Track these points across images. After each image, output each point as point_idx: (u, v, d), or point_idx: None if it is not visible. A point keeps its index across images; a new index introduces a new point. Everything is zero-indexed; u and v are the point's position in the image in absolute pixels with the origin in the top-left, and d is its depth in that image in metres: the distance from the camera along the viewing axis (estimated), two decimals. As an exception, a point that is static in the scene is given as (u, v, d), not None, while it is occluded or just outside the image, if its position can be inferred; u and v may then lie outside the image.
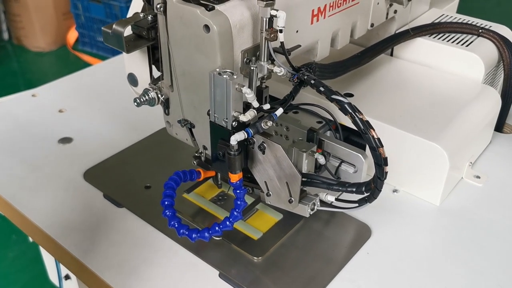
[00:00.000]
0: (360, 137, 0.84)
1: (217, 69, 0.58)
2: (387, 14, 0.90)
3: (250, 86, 0.62)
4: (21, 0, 3.06)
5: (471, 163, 0.87)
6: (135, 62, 0.73)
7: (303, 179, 0.64)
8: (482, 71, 0.90)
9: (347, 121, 0.83)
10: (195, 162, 0.77)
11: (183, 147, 0.91)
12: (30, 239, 0.98)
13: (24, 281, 1.67)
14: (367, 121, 0.57)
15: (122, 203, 0.80)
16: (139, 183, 0.84)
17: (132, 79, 0.75)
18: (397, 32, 0.96)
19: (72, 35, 3.24)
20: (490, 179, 0.86)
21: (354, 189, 0.63)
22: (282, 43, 0.61)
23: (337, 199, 0.67)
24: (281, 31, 0.59)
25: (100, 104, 1.06)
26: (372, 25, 0.87)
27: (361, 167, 0.73)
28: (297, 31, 0.69)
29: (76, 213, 0.79)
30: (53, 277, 1.07)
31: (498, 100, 0.90)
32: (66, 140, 0.95)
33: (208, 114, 0.63)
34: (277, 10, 0.58)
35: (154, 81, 0.72)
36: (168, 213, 0.68)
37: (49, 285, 1.16)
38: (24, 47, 3.26)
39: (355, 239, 0.75)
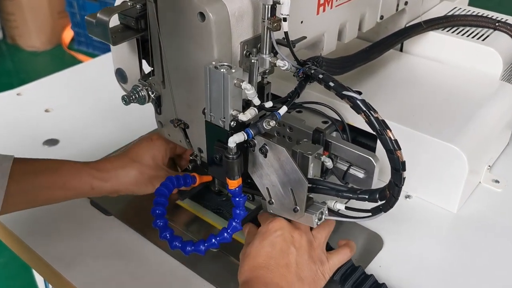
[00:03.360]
0: (369, 138, 0.79)
1: (213, 62, 0.52)
2: (398, 5, 0.84)
3: (250, 82, 0.56)
4: (15, -1, 3.00)
5: (489, 166, 0.81)
6: (124, 56, 0.66)
7: (309, 185, 0.58)
8: (500, 66, 0.84)
9: (355, 121, 0.77)
10: (190, 166, 0.71)
11: (177, 150, 0.85)
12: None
13: (14, 288, 1.61)
14: (383, 121, 0.50)
15: (110, 211, 0.74)
16: (130, 189, 0.78)
17: (121, 75, 0.69)
18: (407, 25, 0.89)
19: (68, 34, 3.18)
20: (509, 183, 0.79)
21: (366, 197, 0.56)
22: (286, 33, 0.55)
23: (346, 207, 0.61)
24: (285, 19, 0.53)
25: (89, 103, 1.00)
26: (381, 17, 0.81)
27: (372, 171, 0.66)
28: (301, 22, 0.63)
29: (59, 221, 0.72)
30: (41, 286, 1.01)
31: (517, 98, 0.84)
32: (52, 142, 0.89)
33: (204, 113, 0.56)
34: (280, -4, 0.51)
35: (144, 77, 0.65)
36: (159, 223, 0.61)
37: (39, 293, 1.10)
38: (18, 46, 3.20)
39: (365, 250, 0.69)
